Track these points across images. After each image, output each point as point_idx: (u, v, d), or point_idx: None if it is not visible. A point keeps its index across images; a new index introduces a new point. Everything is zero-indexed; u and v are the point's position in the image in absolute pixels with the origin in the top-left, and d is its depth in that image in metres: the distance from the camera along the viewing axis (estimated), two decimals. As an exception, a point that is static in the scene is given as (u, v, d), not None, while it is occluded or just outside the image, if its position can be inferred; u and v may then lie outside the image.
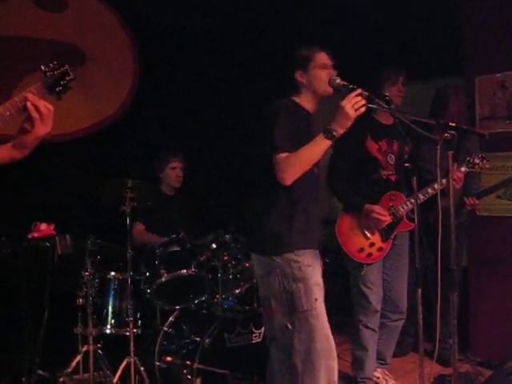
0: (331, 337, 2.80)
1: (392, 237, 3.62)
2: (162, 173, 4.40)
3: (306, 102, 2.94)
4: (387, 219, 3.55)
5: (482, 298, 4.41)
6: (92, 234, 3.73)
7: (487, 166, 3.60)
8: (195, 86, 5.00)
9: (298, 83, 2.92)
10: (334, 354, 2.81)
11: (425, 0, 4.77)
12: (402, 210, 3.59)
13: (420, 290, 2.90)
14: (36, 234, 3.69)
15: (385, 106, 2.73)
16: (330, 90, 2.86)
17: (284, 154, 2.72)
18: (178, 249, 3.78)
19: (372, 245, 3.58)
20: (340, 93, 2.82)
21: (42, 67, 2.31)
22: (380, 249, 3.60)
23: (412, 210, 3.60)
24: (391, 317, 3.75)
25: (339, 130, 2.68)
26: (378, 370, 3.85)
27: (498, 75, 4.29)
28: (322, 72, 2.88)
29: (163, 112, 4.86)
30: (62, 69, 2.34)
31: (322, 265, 2.95)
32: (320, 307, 2.77)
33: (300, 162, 2.73)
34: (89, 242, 3.66)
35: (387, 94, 3.00)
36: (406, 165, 3.09)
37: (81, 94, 4.49)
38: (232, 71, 5.17)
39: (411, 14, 4.90)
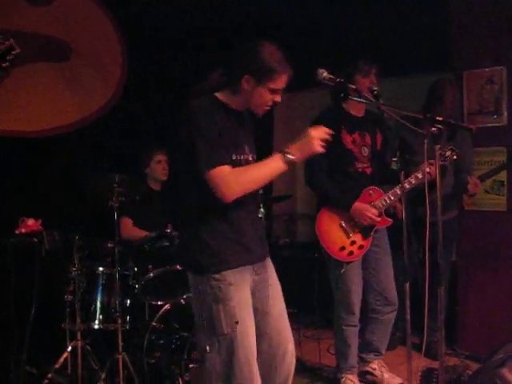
0: (254, 364, 2.53)
1: (372, 234, 3.62)
2: (148, 168, 4.38)
3: (236, 101, 2.59)
4: (378, 219, 3.56)
5: (469, 292, 4.43)
6: (80, 229, 3.71)
7: (454, 157, 3.57)
8: (181, 79, 4.98)
9: (239, 86, 2.54)
10: (256, 381, 2.53)
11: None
12: (381, 205, 3.58)
13: (407, 285, 2.91)
14: (23, 230, 3.67)
15: (372, 99, 2.72)
16: (260, 113, 2.59)
17: (222, 168, 2.41)
18: (167, 244, 3.76)
19: (353, 243, 3.58)
20: (327, 87, 2.80)
21: None
22: (361, 247, 3.60)
23: (390, 206, 3.62)
24: (383, 310, 3.76)
25: (298, 157, 2.44)
26: (375, 361, 3.88)
27: (486, 70, 4.30)
28: (268, 95, 2.52)
29: (150, 106, 4.84)
30: (6, 43, 2.30)
31: (257, 278, 2.66)
32: (242, 331, 2.49)
33: (248, 181, 2.46)
34: (76, 238, 3.64)
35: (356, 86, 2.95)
36: (394, 159, 3.09)
37: (68, 87, 4.47)
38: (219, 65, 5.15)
39: (399, 8, 4.90)
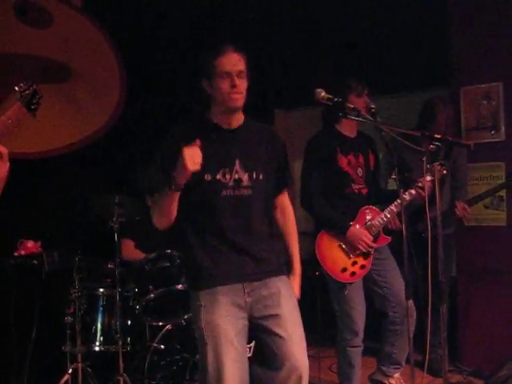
0: (224, 377, 2.44)
1: (372, 253, 3.60)
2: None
3: (216, 115, 2.57)
4: (373, 245, 3.55)
5: (470, 307, 4.42)
6: (80, 250, 3.71)
7: (444, 172, 3.57)
8: (181, 100, 5.00)
9: (206, 94, 2.55)
10: None
11: (411, 11, 4.81)
12: (378, 224, 3.57)
13: (411, 301, 2.90)
14: (23, 252, 3.67)
15: (370, 118, 2.73)
16: (233, 104, 2.50)
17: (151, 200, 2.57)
18: (167, 264, 3.75)
19: (355, 263, 3.56)
20: (325, 106, 2.82)
21: (16, 88, 2.38)
22: (362, 266, 3.58)
23: (387, 223, 3.62)
24: (403, 321, 3.62)
25: (179, 180, 2.34)
26: (394, 376, 3.82)
27: (483, 86, 4.32)
28: (222, 81, 2.47)
29: (150, 127, 4.86)
30: (31, 88, 2.46)
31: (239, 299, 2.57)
32: (207, 351, 2.47)
33: (155, 210, 2.53)
34: (77, 259, 3.64)
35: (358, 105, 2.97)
36: (393, 177, 3.09)
37: (67, 109, 4.48)
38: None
39: (397, 24, 4.94)
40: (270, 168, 2.67)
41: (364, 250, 3.52)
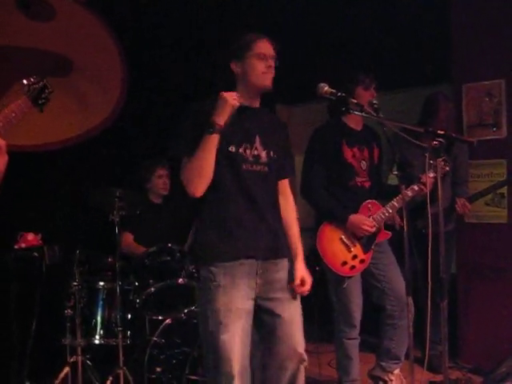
0: (235, 365, 2.51)
1: (373, 247, 3.61)
2: (149, 182, 4.38)
3: (240, 93, 2.64)
4: (373, 229, 3.55)
5: (470, 304, 4.43)
6: (80, 243, 3.71)
7: (447, 169, 3.57)
8: (182, 93, 5.00)
9: (232, 74, 2.67)
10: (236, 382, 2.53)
11: (413, 8, 4.80)
12: (380, 219, 3.58)
13: (410, 298, 2.90)
14: (23, 245, 3.67)
15: (372, 113, 2.72)
16: (266, 83, 2.65)
17: (185, 160, 2.54)
18: (168, 258, 3.75)
19: (355, 257, 3.56)
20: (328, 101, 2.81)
21: (25, 81, 2.38)
22: (362, 261, 3.58)
23: (389, 219, 3.62)
24: (401, 315, 3.63)
25: (219, 122, 2.49)
26: (394, 372, 3.81)
27: (486, 83, 4.32)
28: (258, 62, 2.62)
29: (151, 120, 4.85)
30: (41, 82, 2.45)
31: (258, 277, 2.62)
32: (224, 331, 2.50)
33: (193, 168, 2.51)
34: (77, 252, 3.64)
35: (374, 100, 2.98)
36: (395, 172, 3.09)
37: (69, 102, 4.47)
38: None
39: (399, 21, 4.93)
40: (280, 150, 2.76)
41: (367, 234, 3.52)
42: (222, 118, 2.49)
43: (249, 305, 2.60)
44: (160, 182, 4.37)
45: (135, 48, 4.82)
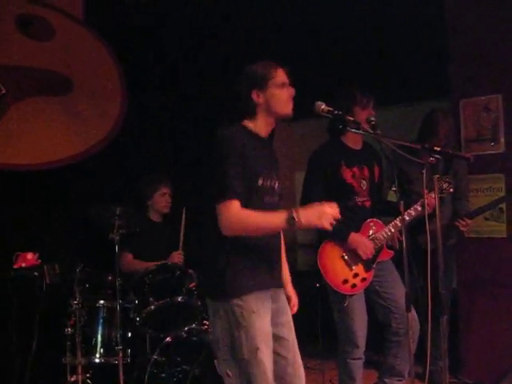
0: None
1: (374, 266, 3.60)
2: (151, 200, 4.38)
3: (260, 124, 2.69)
4: (372, 252, 3.55)
5: (471, 319, 4.41)
6: (81, 262, 3.71)
7: (451, 190, 3.59)
8: (181, 111, 5.03)
9: (253, 104, 2.68)
10: None
11: (411, 23, 4.83)
12: (382, 238, 3.58)
13: (414, 314, 2.90)
14: (23, 264, 3.67)
15: (370, 130, 2.74)
16: (288, 111, 2.71)
17: (233, 203, 2.47)
18: (167, 276, 3.76)
19: (356, 275, 3.55)
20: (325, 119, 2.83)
21: None
22: (363, 279, 3.57)
23: (391, 238, 3.62)
24: (404, 333, 3.59)
25: (302, 224, 2.43)
26: None
27: (483, 98, 4.34)
28: (281, 91, 2.67)
29: (150, 138, 4.88)
30: None
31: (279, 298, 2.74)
32: (262, 356, 2.54)
33: (248, 227, 2.51)
34: (77, 271, 3.64)
35: (369, 118, 2.98)
36: (394, 189, 3.10)
37: (68, 121, 4.51)
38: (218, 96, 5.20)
39: (397, 37, 4.96)
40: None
41: (364, 257, 3.52)
42: (305, 224, 2.43)
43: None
44: (163, 200, 4.38)
45: (134, 63, 4.86)
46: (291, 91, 2.70)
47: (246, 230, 2.52)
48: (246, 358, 2.53)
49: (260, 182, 2.60)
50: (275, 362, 2.64)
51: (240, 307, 2.55)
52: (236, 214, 2.48)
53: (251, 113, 2.68)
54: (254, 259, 2.61)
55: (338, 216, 2.48)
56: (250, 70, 2.70)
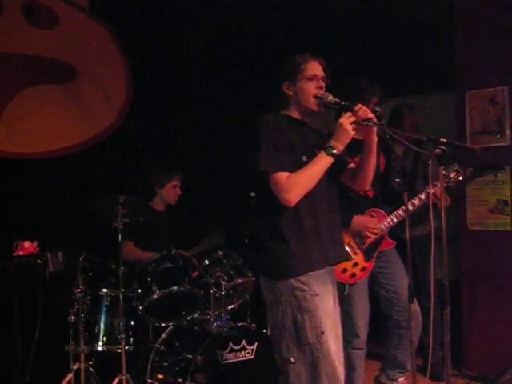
0: (338, 369, 2.65)
1: (374, 255, 3.59)
2: (162, 188, 4.41)
3: (296, 115, 2.78)
4: (376, 236, 3.54)
5: (475, 312, 4.41)
6: (84, 250, 3.71)
7: (460, 178, 3.58)
8: (187, 100, 5.02)
9: (285, 96, 2.77)
10: None
11: (416, 15, 4.80)
12: (383, 227, 3.57)
13: (415, 305, 2.89)
14: (21, 253, 3.67)
15: (377, 122, 2.72)
16: (314, 105, 2.73)
17: (282, 174, 2.58)
18: (170, 265, 3.76)
19: (355, 265, 3.54)
20: (332, 110, 2.82)
21: None
22: (363, 269, 3.56)
23: (393, 227, 3.60)
24: (407, 325, 3.58)
25: (339, 147, 2.63)
26: (400, 380, 3.81)
27: (489, 90, 4.32)
28: (308, 84, 2.71)
29: (154, 127, 4.86)
30: None
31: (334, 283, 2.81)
32: (327, 340, 2.58)
33: (303, 181, 2.59)
34: (81, 259, 3.64)
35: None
36: (397, 180, 3.08)
37: (72, 109, 4.50)
38: (226, 87, 5.18)
39: (402, 29, 4.93)
40: None
41: (372, 238, 3.51)
42: (341, 145, 2.63)
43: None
44: (173, 192, 4.43)
45: (139, 52, 4.84)
46: (320, 83, 2.72)
47: (304, 186, 2.60)
48: (311, 342, 2.56)
49: (304, 158, 2.66)
50: None
51: (302, 290, 2.59)
52: (288, 179, 2.57)
53: (285, 104, 2.77)
54: (313, 238, 2.66)
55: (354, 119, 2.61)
56: (283, 62, 2.76)
